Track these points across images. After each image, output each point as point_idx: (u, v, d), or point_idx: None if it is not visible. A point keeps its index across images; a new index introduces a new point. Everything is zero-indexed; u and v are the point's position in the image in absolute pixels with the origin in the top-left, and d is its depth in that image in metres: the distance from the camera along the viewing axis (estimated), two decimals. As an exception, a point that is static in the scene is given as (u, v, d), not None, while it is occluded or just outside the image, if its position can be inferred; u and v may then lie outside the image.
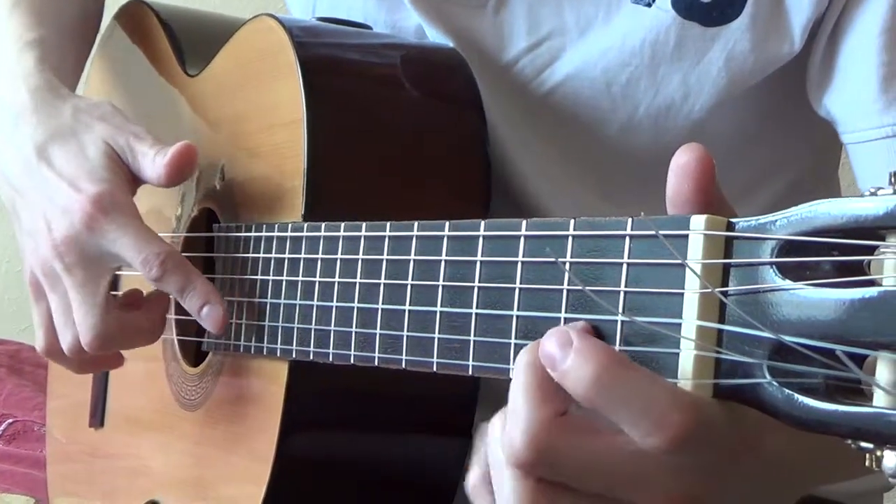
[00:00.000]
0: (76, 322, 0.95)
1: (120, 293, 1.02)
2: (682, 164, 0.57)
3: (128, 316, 0.97)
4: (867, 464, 0.49)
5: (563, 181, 0.99)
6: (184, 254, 1.04)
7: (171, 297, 0.98)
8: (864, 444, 0.49)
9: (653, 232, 0.56)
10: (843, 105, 0.92)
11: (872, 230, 0.49)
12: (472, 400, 0.90)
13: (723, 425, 0.56)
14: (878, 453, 0.49)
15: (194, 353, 1.03)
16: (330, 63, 0.95)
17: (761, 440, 0.59)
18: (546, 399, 0.57)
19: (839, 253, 0.50)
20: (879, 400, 0.48)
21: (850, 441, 0.49)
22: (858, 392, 0.50)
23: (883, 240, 0.49)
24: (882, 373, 0.48)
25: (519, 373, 0.59)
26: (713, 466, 0.57)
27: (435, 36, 0.99)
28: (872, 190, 0.49)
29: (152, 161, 0.95)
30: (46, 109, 1.00)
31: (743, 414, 0.55)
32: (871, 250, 0.49)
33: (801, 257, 0.52)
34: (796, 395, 0.51)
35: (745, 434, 0.57)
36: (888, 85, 0.89)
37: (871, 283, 0.49)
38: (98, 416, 1.18)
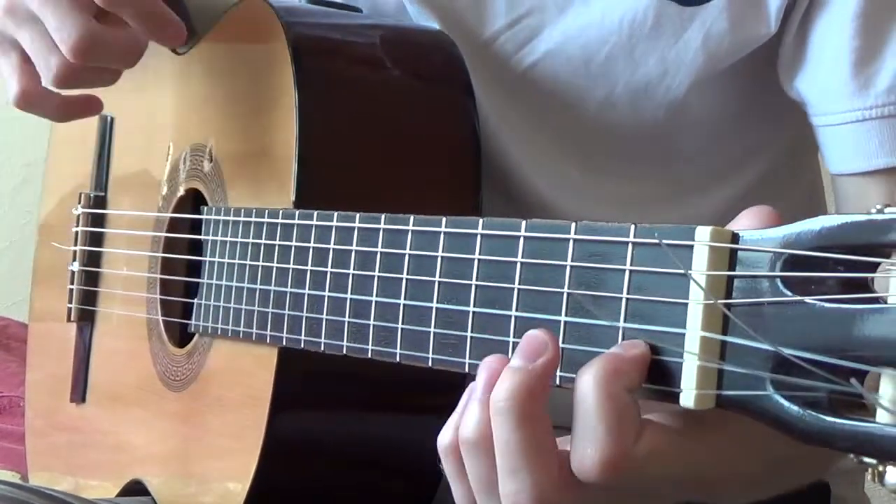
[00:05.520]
0: (57, 31, 0.90)
1: None
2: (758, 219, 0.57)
3: (109, 27, 0.92)
4: (869, 478, 0.50)
5: (544, 156, 0.99)
6: (170, 234, 1.04)
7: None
8: (866, 459, 0.50)
9: (656, 241, 0.56)
10: (814, 88, 0.93)
11: (878, 247, 0.49)
12: (461, 382, 0.91)
13: (656, 462, 0.59)
14: (881, 468, 0.49)
15: (179, 334, 1.03)
16: (320, 46, 0.94)
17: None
18: (632, 429, 0.58)
19: (844, 268, 0.51)
20: (882, 416, 0.49)
21: (852, 455, 0.50)
22: (861, 406, 0.51)
23: (888, 257, 0.49)
24: (886, 389, 0.49)
25: (603, 400, 0.58)
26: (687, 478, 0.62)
27: (415, 12, 0.99)
28: (879, 207, 0.50)
29: None
30: None
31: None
32: (875, 267, 0.50)
33: (806, 271, 0.52)
34: (799, 409, 0.51)
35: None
36: (859, 69, 0.90)
37: (876, 300, 0.49)
38: (79, 392, 1.18)
